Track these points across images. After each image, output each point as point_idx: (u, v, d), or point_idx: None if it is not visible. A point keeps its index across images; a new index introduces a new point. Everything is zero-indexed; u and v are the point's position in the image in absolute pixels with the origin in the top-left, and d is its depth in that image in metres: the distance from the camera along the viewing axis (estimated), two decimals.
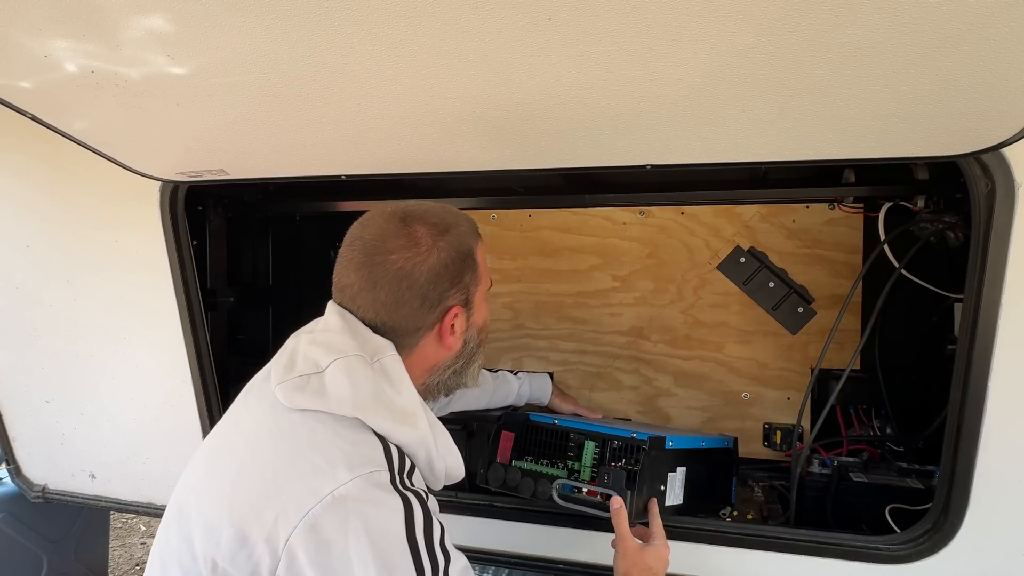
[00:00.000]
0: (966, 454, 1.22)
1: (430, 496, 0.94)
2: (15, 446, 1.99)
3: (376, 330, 1.01)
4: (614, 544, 1.16)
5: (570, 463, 1.36)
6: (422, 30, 0.82)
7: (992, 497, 1.23)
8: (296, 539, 0.82)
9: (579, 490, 1.29)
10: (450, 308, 1.04)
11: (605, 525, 1.21)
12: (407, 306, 1.00)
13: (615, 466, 1.27)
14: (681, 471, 1.35)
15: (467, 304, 1.07)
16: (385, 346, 1.00)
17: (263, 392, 1.00)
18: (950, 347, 1.31)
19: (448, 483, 1.06)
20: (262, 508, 0.85)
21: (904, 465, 1.49)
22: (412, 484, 0.91)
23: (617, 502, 1.18)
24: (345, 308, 1.02)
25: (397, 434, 0.94)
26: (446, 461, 1.02)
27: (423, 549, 0.85)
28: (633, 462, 1.27)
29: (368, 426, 0.92)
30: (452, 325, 1.05)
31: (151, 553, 0.99)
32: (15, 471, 2.01)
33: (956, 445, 1.23)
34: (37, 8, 0.82)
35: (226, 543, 0.85)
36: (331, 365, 0.94)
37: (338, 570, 0.81)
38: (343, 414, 0.91)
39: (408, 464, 0.94)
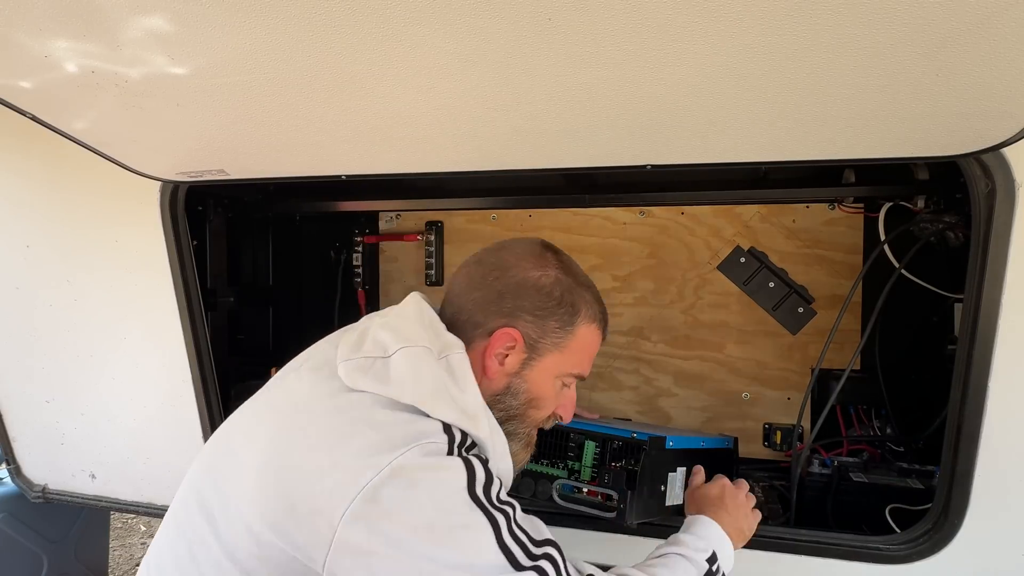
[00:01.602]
0: (966, 454, 1.22)
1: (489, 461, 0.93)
2: (15, 446, 1.99)
3: (450, 327, 1.01)
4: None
5: (570, 463, 1.36)
6: (422, 30, 0.82)
7: (992, 497, 1.23)
8: (355, 510, 0.81)
9: (579, 490, 1.29)
10: (512, 327, 0.99)
11: (605, 525, 1.21)
12: (481, 291, 1.01)
13: (615, 466, 1.27)
14: (681, 471, 1.35)
15: (533, 349, 1.01)
16: (455, 343, 0.98)
17: (319, 367, 0.98)
18: (950, 347, 1.31)
19: None
20: (315, 481, 0.84)
21: (904, 465, 1.49)
22: (471, 454, 0.90)
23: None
24: (426, 300, 1.04)
25: (460, 424, 0.92)
26: (499, 466, 0.99)
27: (488, 502, 0.85)
28: (633, 462, 1.27)
29: (428, 415, 0.90)
30: (506, 355, 1.00)
31: (150, 548, 0.98)
32: (15, 471, 2.00)
33: (956, 445, 1.23)
34: (37, 8, 0.82)
35: (272, 514, 0.84)
36: (397, 352, 0.93)
37: (403, 538, 0.80)
38: (403, 401, 0.90)
39: (469, 441, 0.92)
